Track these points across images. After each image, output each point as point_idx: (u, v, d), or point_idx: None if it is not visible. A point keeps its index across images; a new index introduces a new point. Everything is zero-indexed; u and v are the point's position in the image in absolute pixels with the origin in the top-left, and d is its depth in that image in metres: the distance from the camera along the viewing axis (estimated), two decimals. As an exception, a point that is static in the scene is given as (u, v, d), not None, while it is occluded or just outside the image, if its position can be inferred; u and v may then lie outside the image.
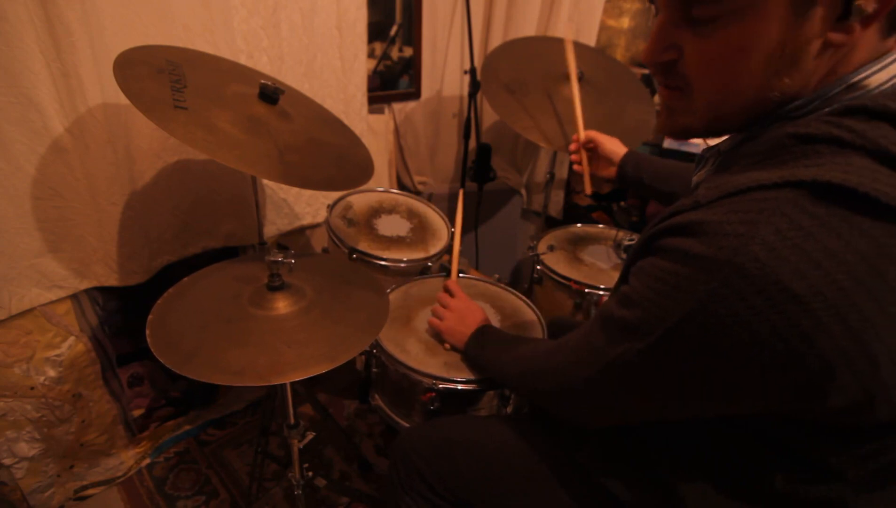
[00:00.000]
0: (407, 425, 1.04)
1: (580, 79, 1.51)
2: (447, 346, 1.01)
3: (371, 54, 1.66)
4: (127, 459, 1.35)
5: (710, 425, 0.53)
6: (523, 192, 2.13)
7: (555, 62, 1.54)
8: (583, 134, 1.21)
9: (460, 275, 1.27)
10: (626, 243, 1.42)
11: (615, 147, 1.14)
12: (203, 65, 1.03)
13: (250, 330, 0.81)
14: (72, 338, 1.17)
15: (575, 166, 1.19)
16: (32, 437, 1.15)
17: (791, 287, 0.39)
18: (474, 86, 1.65)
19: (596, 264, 1.39)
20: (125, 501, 1.31)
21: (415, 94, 1.85)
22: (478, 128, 1.78)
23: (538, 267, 1.38)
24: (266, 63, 1.30)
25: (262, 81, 0.99)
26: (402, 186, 1.97)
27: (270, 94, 0.99)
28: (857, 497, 0.49)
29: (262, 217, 1.36)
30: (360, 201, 1.46)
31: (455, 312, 1.01)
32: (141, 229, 1.18)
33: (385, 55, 1.75)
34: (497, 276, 1.31)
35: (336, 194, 1.43)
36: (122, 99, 0.99)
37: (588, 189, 1.18)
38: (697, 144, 0.56)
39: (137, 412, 1.35)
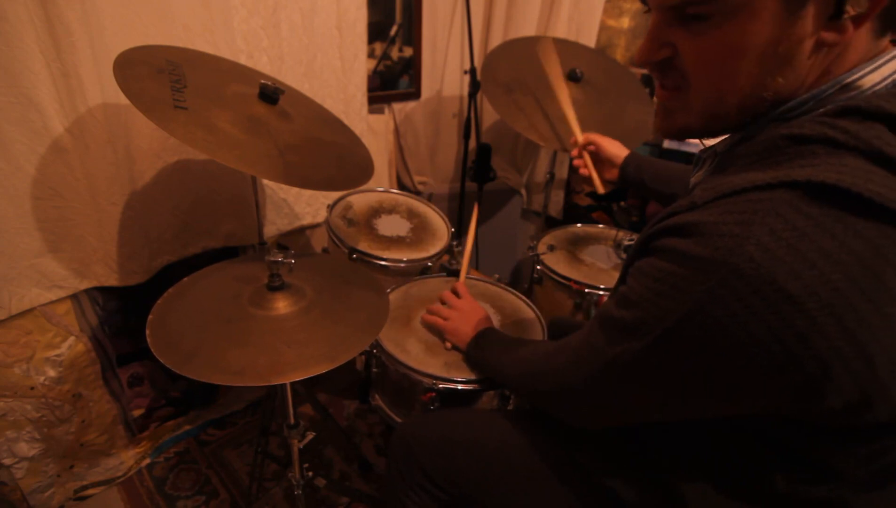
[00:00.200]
0: (407, 425, 1.04)
1: (580, 79, 1.51)
2: (448, 345, 1.01)
3: (371, 54, 1.66)
4: (127, 459, 1.35)
5: (710, 425, 0.53)
6: (523, 192, 2.13)
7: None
8: (581, 137, 1.20)
9: (458, 282, 1.26)
10: (626, 243, 1.42)
11: (617, 150, 1.14)
12: (203, 65, 1.03)
13: (250, 330, 0.81)
14: (72, 338, 1.17)
15: (581, 170, 1.19)
16: (32, 437, 1.15)
17: (786, 288, 0.39)
18: (474, 86, 1.65)
19: (596, 264, 1.39)
20: (125, 501, 1.31)
21: (415, 94, 1.85)
22: (478, 128, 1.79)
23: (538, 267, 1.38)
24: (266, 63, 1.30)
25: (262, 81, 0.99)
26: (402, 186, 1.97)
27: (270, 94, 0.99)
28: (858, 496, 0.49)
29: (262, 217, 1.36)
30: (360, 201, 1.46)
31: (460, 312, 1.02)
32: (141, 229, 1.18)
33: (385, 55, 1.75)
34: (497, 276, 1.31)
35: (336, 194, 1.43)
36: (122, 99, 0.99)
37: (600, 189, 1.18)
38: (697, 144, 0.56)
39: (137, 412, 1.35)
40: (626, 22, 2.01)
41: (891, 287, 0.39)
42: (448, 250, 1.32)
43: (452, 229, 1.41)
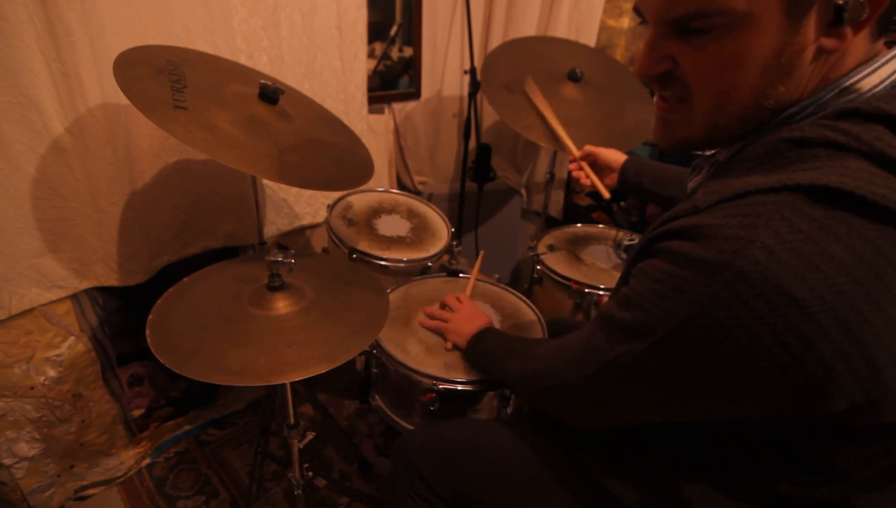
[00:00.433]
0: (407, 425, 1.04)
1: (580, 79, 1.51)
2: (449, 345, 1.01)
3: (371, 54, 1.66)
4: (127, 459, 1.35)
5: (711, 425, 0.53)
6: (523, 192, 2.13)
7: (555, 62, 1.55)
8: (577, 152, 1.21)
9: (460, 275, 1.27)
10: (626, 243, 1.42)
11: (614, 155, 1.14)
12: (203, 65, 1.03)
13: (250, 330, 0.81)
14: (72, 338, 1.17)
15: (583, 181, 1.18)
16: (32, 437, 1.15)
17: (791, 291, 0.39)
18: (474, 86, 1.65)
19: (596, 264, 1.39)
20: (125, 501, 1.31)
21: (415, 94, 1.85)
22: (478, 128, 1.78)
23: (538, 267, 1.38)
24: (266, 63, 1.30)
25: (262, 81, 0.99)
26: (402, 186, 1.97)
27: (270, 94, 0.99)
28: (859, 497, 0.49)
29: (262, 217, 1.36)
30: (360, 201, 1.46)
31: (461, 313, 1.03)
32: (141, 229, 1.18)
33: (385, 55, 1.75)
34: (497, 276, 1.31)
35: (336, 194, 1.43)
36: (122, 99, 0.99)
37: (606, 194, 1.18)
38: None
39: (137, 412, 1.35)
40: (626, 22, 2.01)
41: (893, 288, 0.39)
42: (448, 250, 1.32)
43: (452, 229, 1.41)
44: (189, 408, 1.47)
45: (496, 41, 1.82)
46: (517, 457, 0.76)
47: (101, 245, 1.13)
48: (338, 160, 1.07)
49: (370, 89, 1.61)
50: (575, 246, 1.47)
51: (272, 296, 0.86)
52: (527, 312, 1.16)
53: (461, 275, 1.27)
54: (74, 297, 1.16)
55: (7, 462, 1.13)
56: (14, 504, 1.17)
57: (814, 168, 0.42)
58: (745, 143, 0.51)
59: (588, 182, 1.18)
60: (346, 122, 1.25)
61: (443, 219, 1.46)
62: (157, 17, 1.08)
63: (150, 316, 0.81)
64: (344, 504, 1.33)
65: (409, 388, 0.99)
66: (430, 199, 1.66)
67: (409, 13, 1.72)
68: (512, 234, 2.18)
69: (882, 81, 0.45)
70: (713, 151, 0.57)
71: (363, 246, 1.26)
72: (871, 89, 0.45)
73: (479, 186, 1.83)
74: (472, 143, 1.78)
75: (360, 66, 1.53)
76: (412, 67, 1.81)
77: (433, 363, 0.98)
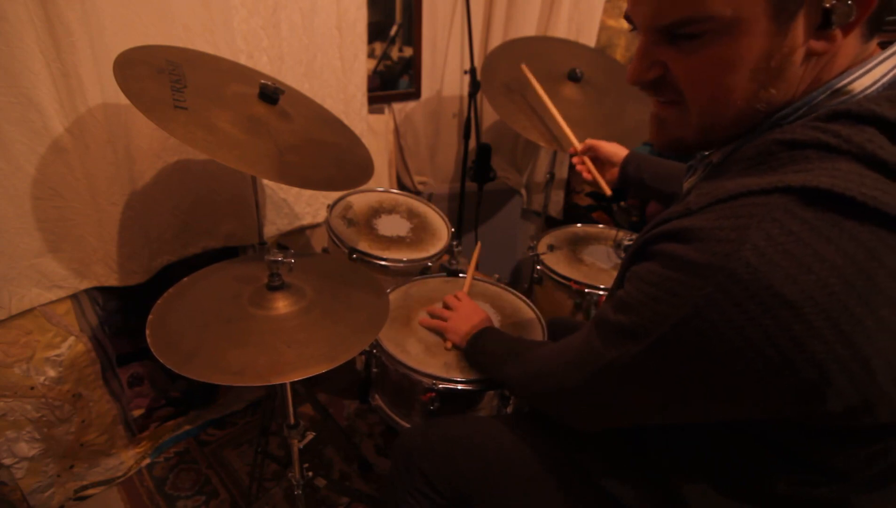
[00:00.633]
0: (407, 425, 1.04)
1: (580, 79, 1.51)
2: (449, 345, 1.01)
3: (371, 54, 1.66)
4: (127, 459, 1.35)
5: (710, 426, 0.53)
6: (523, 192, 2.13)
7: (555, 62, 1.55)
8: (578, 145, 1.21)
9: (460, 275, 1.27)
10: (626, 243, 1.42)
11: (615, 149, 1.14)
12: (203, 65, 1.03)
13: (250, 330, 0.81)
14: (72, 338, 1.17)
15: (585, 175, 1.18)
16: (32, 437, 1.15)
17: (783, 292, 0.39)
18: (474, 86, 1.65)
19: (596, 264, 1.39)
20: (125, 501, 1.31)
21: (415, 94, 1.85)
22: (478, 128, 1.78)
23: (538, 267, 1.38)
24: (266, 63, 1.30)
25: (262, 81, 0.99)
26: (402, 186, 1.97)
27: (270, 94, 0.99)
28: (859, 496, 0.49)
29: (262, 217, 1.36)
30: (360, 201, 1.46)
31: (460, 312, 1.02)
32: (141, 229, 1.18)
33: (385, 55, 1.75)
34: (497, 276, 1.31)
35: (336, 194, 1.43)
36: (122, 99, 0.99)
37: (607, 191, 1.18)
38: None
39: (137, 412, 1.35)
40: (625, 22, 2.01)
41: (884, 290, 0.39)
42: (448, 250, 1.32)
43: (452, 229, 1.41)
44: (189, 408, 1.47)
45: (496, 41, 1.82)
46: (517, 457, 0.76)
47: (101, 245, 1.13)
48: (338, 160, 1.07)
49: (370, 89, 1.62)
50: (575, 246, 1.47)
51: (272, 296, 0.86)
52: (527, 312, 1.16)
53: (461, 275, 1.27)
54: (74, 297, 1.16)
55: (7, 462, 1.13)
56: (14, 504, 1.17)
57: (805, 170, 0.42)
58: (739, 144, 0.51)
59: (589, 176, 1.17)
60: (346, 122, 1.25)
61: (443, 219, 1.46)
62: (157, 17, 1.08)
63: (150, 316, 0.81)
64: (344, 504, 1.33)
65: (409, 388, 0.99)
66: (430, 199, 1.66)
67: (409, 13, 1.72)
68: (512, 234, 2.18)
69: (874, 83, 0.45)
70: (707, 153, 0.58)
71: (363, 246, 1.26)
72: (863, 91, 0.46)
73: (479, 186, 1.83)
74: (472, 143, 1.78)
75: (360, 66, 1.53)
76: (412, 67, 1.81)
77: (433, 362, 0.98)
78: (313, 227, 1.63)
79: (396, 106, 1.82)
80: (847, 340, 0.39)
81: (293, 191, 1.51)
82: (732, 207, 0.43)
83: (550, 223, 2.05)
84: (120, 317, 1.25)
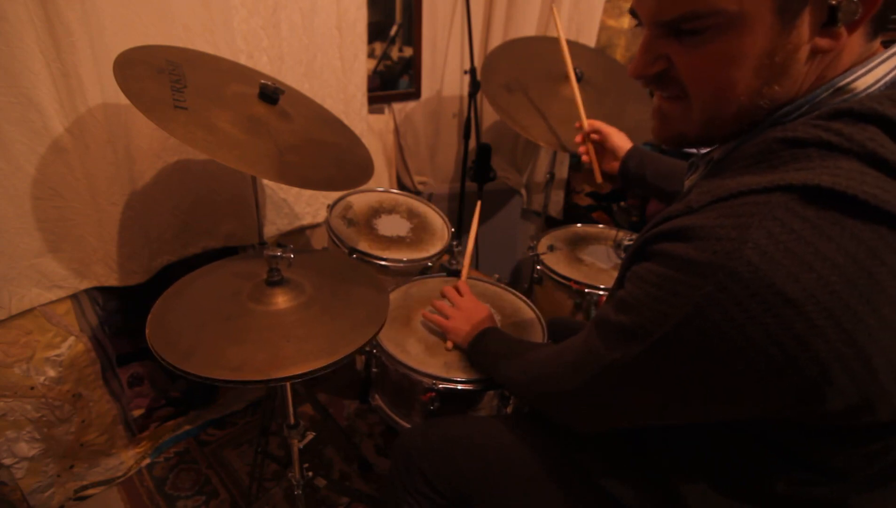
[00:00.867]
0: (407, 425, 1.04)
1: (580, 79, 1.51)
2: (450, 345, 1.01)
3: (371, 54, 1.66)
4: (127, 459, 1.35)
5: (710, 426, 0.53)
6: (523, 192, 2.13)
7: (555, 62, 1.54)
8: (587, 123, 1.18)
9: (461, 281, 1.26)
10: (626, 243, 1.42)
11: (621, 141, 1.12)
12: (203, 65, 1.03)
13: (249, 326, 0.81)
14: (72, 338, 1.17)
15: (583, 158, 1.17)
16: (32, 437, 1.15)
17: (784, 290, 0.39)
18: (474, 86, 1.65)
19: (596, 264, 1.39)
20: (125, 501, 1.31)
21: (415, 94, 1.85)
22: (478, 128, 1.79)
23: (538, 267, 1.38)
24: (266, 63, 1.30)
25: (262, 81, 0.99)
26: (402, 186, 1.97)
27: (270, 94, 0.99)
28: (859, 495, 0.49)
29: (262, 217, 1.36)
30: (360, 201, 1.46)
31: (462, 311, 1.01)
32: (141, 229, 1.18)
33: (385, 55, 1.75)
34: (497, 276, 1.31)
35: (336, 194, 1.43)
36: (122, 99, 0.99)
37: (598, 178, 1.16)
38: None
39: (137, 412, 1.35)
40: (626, 22, 2.01)
41: (886, 288, 0.39)
42: (448, 250, 1.32)
43: (452, 229, 1.41)
44: (189, 408, 1.47)
45: (496, 41, 1.82)
46: (517, 457, 0.76)
47: (101, 245, 1.13)
48: (338, 160, 1.07)
49: (370, 89, 1.62)
50: (575, 246, 1.47)
51: (271, 291, 0.86)
52: (527, 312, 1.16)
53: (461, 281, 1.26)
54: (74, 297, 1.16)
55: (7, 462, 1.13)
56: (14, 504, 1.17)
57: (807, 168, 0.42)
58: (740, 141, 0.51)
59: (587, 159, 1.16)
60: (346, 122, 1.25)
61: (443, 219, 1.46)
62: (157, 17, 1.08)
63: (150, 315, 0.81)
64: (344, 504, 1.33)
65: (409, 388, 0.99)
66: (430, 199, 1.66)
67: (409, 13, 1.72)
68: (512, 234, 2.18)
69: (877, 82, 0.45)
70: (708, 150, 0.58)
71: (363, 246, 1.26)
72: (865, 89, 0.46)
73: (479, 186, 1.83)
74: (472, 143, 1.78)
75: (360, 66, 1.53)
76: (412, 67, 1.81)
77: (433, 362, 0.98)
78: (313, 227, 1.63)
79: (396, 106, 1.82)
80: (849, 338, 0.39)
81: (293, 191, 1.51)
82: (733, 205, 0.43)
83: (550, 223, 2.05)
84: (120, 317, 1.25)
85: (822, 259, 0.39)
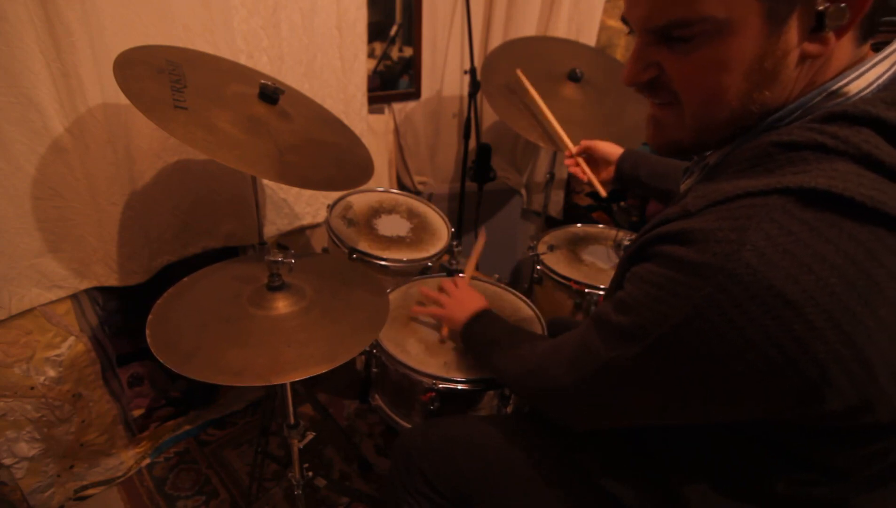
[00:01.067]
0: (407, 425, 1.04)
1: (580, 79, 1.51)
2: (445, 332, 1.00)
3: (371, 54, 1.66)
4: (127, 459, 1.36)
5: (711, 427, 0.53)
6: (523, 192, 2.13)
7: (555, 62, 1.55)
8: (573, 148, 1.20)
9: (459, 275, 1.26)
10: (626, 243, 1.42)
11: (610, 148, 1.13)
12: (203, 65, 1.03)
13: (250, 330, 0.81)
14: (72, 338, 1.17)
15: (580, 176, 1.18)
16: (32, 437, 1.15)
17: (784, 292, 0.39)
18: (474, 86, 1.65)
19: (596, 264, 1.39)
20: (125, 501, 1.31)
21: (415, 94, 1.85)
22: (478, 128, 1.78)
23: (538, 267, 1.38)
24: (266, 63, 1.30)
25: (262, 81, 0.99)
26: (402, 186, 1.97)
27: (270, 94, 0.99)
28: (859, 496, 0.49)
29: (262, 217, 1.36)
30: (360, 201, 1.46)
31: (457, 300, 1.00)
32: (141, 229, 1.18)
33: (385, 55, 1.75)
34: (497, 276, 1.31)
35: (336, 194, 1.43)
36: (122, 99, 0.99)
37: (603, 192, 1.17)
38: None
39: (137, 412, 1.35)
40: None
41: (884, 290, 0.39)
42: (448, 250, 1.32)
43: (452, 229, 1.41)
44: (189, 408, 1.47)
45: (496, 41, 1.82)
46: (517, 457, 0.76)
47: (101, 245, 1.13)
48: (338, 160, 1.07)
49: (370, 89, 1.61)
50: (575, 246, 1.47)
51: (272, 296, 0.86)
52: (527, 312, 1.16)
53: (460, 275, 1.26)
54: (74, 297, 1.16)
55: (7, 462, 1.13)
56: (14, 504, 1.17)
57: (803, 171, 0.42)
58: (735, 146, 0.52)
59: (585, 178, 1.17)
60: (346, 122, 1.25)
61: (443, 219, 1.46)
62: (157, 17, 1.08)
63: (150, 316, 0.81)
64: (344, 504, 1.33)
65: (409, 387, 0.99)
66: (430, 199, 1.66)
67: (409, 13, 1.72)
68: (512, 234, 2.18)
69: (869, 85, 0.46)
70: (704, 155, 0.58)
71: (363, 246, 1.26)
72: (858, 93, 0.46)
73: (479, 186, 1.83)
74: (472, 143, 1.78)
75: (360, 66, 1.53)
76: (412, 67, 1.81)
77: (433, 362, 0.98)
78: (313, 227, 1.63)
79: (396, 106, 1.82)
80: (849, 340, 0.39)
81: (293, 191, 1.51)
82: (731, 208, 0.44)
83: (550, 223, 2.05)
84: (120, 317, 1.25)
85: (820, 261, 0.39)
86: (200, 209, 1.29)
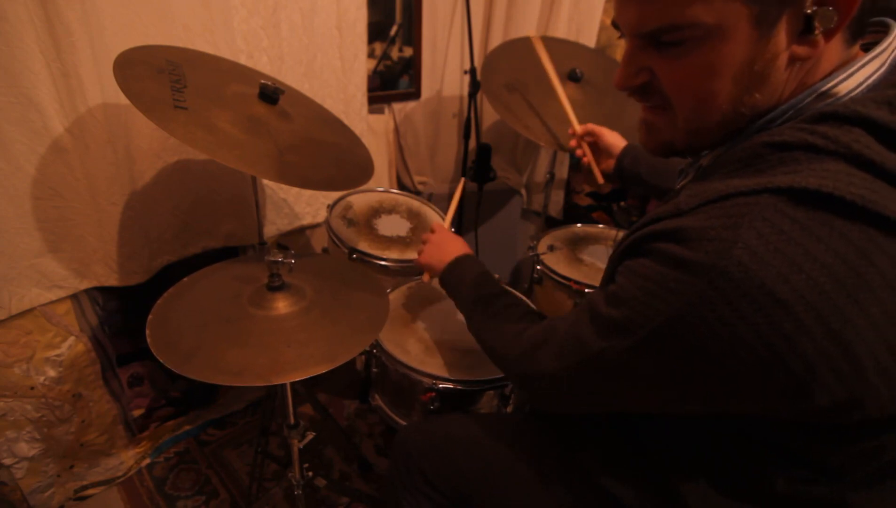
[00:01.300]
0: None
1: (580, 79, 1.51)
2: (426, 278, 0.98)
3: (371, 54, 1.66)
4: (127, 459, 1.36)
5: (709, 426, 0.53)
6: (523, 192, 2.13)
7: (555, 62, 1.54)
8: (579, 127, 1.19)
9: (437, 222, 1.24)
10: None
11: (615, 140, 1.13)
12: (203, 65, 1.03)
13: (250, 330, 0.81)
14: (72, 338, 1.17)
15: (583, 159, 1.17)
16: (32, 437, 1.15)
17: (775, 291, 0.40)
18: (474, 86, 1.65)
19: (596, 264, 1.39)
20: (125, 501, 1.31)
21: (415, 94, 1.85)
22: (478, 128, 1.78)
23: (538, 267, 1.38)
24: (266, 63, 1.30)
25: (262, 81, 0.99)
26: (402, 186, 1.97)
27: (270, 94, 0.99)
28: (857, 494, 0.49)
29: (262, 217, 1.36)
30: (360, 201, 1.46)
31: (433, 244, 0.98)
32: (141, 229, 1.18)
33: (385, 55, 1.75)
34: (497, 276, 1.30)
35: (336, 194, 1.43)
36: (122, 99, 0.99)
37: (599, 179, 1.16)
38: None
39: (137, 412, 1.35)
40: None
41: (874, 288, 0.39)
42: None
43: (452, 229, 1.40)
44: (189, 408, 1.47)
45: (496, 41, 1.82)
46: (517, 456, 0.76)
47: (101, 245, 1.13)
48: (338, 160, 1.07)
49: (370, 89, 1.61)
50: (575, 246, 1.47)
51: (272, 296, 0.86)
52: (527, 312, 1.16)
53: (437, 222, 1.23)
54: (74, 297, 1.16)
55: (7, 462, 1.13)
56: (14, 504, 1.17)
57: (794, 171, 0.42)
58: (727, 147, 0.52)
59: (587, 161, 1.16)
60: (346, 122, 1.25)
61: (443, 219, 1.45)
62: (157, 17, 1.08)
63: (150, 316, 0.81)
64: (344, 504, 1.33)
65: (409, 387, 0.99)
66: (430, 199, 1.66)
67: (409, 13, 1.72)
68: (512, 234, 2.18)
69: (859, 85, 0.46)
70: (698, 156, 0.58)
71: (363, 246, 1.26)
72: (848, 93, 0.46)
73: (479, 186, 1.83)
74: (472, 143, 1.78)
75: (360, 66, 1.53)
76: (412, 67, 1.81)
77: (433, 362, 0.98)
78: (313, 227, 1.63)
79: (396, 106, 1.82)
80: (836, 338, 0.39)
81: (293, 191, 1.51)
82: (723, 207, 0.44)
83: (550, 223, 2.05)
84: (120, 317, 1.25)
85: (811, 260, 0.39)
86: (200, 209, 1.29)
